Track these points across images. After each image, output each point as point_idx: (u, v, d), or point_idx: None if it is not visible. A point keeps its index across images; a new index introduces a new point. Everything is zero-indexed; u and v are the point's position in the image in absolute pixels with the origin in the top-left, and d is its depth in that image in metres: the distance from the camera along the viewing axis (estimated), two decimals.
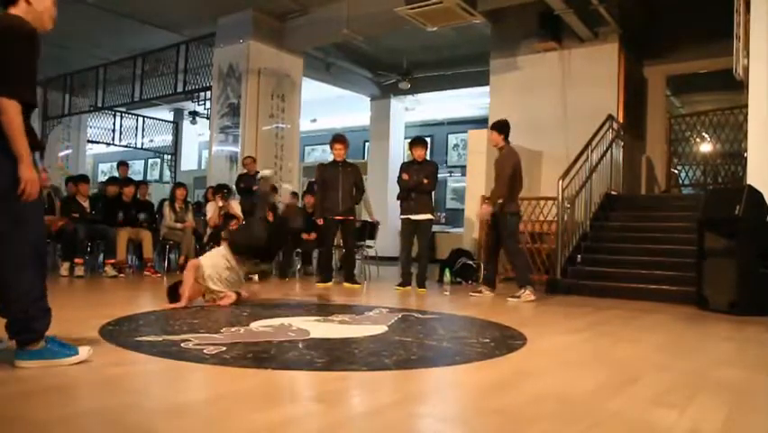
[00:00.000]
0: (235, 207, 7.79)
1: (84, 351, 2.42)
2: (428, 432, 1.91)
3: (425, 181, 6.28)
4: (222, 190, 7.82)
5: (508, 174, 5.72)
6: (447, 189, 14.32)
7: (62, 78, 12.86)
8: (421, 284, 6.36)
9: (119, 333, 3.14)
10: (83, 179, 7.40)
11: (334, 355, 2.93)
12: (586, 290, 6.21)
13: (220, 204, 7.67)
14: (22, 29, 2.32)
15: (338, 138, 6.70)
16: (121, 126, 13.83)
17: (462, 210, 9.41)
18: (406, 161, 7.02)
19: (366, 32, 9.04)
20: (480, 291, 5.96)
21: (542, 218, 7.37)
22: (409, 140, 10.75)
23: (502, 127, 5.93)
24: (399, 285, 6.40)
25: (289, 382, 2.44)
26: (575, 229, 7.06)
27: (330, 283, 6.59)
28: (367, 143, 14.45)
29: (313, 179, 9.77)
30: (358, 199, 6.74)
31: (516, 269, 5.89)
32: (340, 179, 6.52)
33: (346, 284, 6.53)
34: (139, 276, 7.12)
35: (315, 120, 14.75)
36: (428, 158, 6.66)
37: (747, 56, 5.56)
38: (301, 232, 7.66)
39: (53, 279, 6.20)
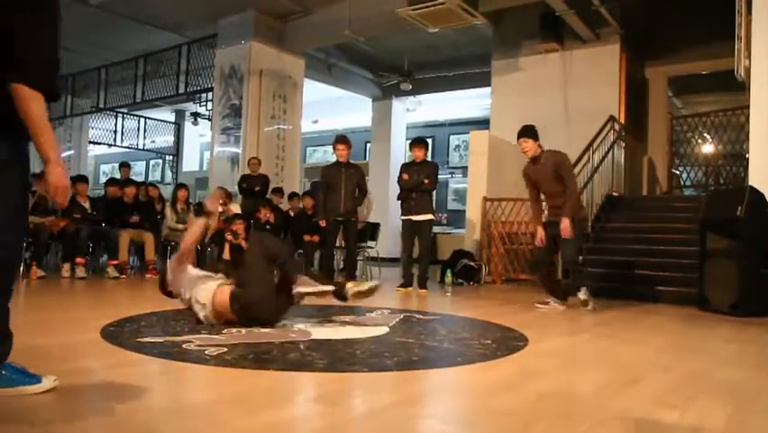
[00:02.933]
0: (235, 209, 7.80)
1: (48, 381, 2.04)
2: None
3: (426, 182, 6.25)
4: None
5: (575, 176, 5.14)
6: (448, 190, 14.32)
7: (64, 79, 12.88)
8: (422, 285, 6.35)
9: (120, 334, 3.14)
10: (82, 179, 7.40)
11: (336, 357, 2.93)
12: None
13: (220, 209, 7.68)
14: None
15: (340, 139, 6.66)
16: (122, 127, 13.86)
17: (464, 211, 9.40)
18: (406, 161, 7.01)
19: (367, 32, 9.05)
20: (548, 303, 5.19)
21: (543, 219, 7.36)
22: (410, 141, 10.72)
23: (535, 132, 5.15)
24: (401, 286, 6.39)
25: (291, 384, 2.44)
26: None
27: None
28: (368, 144, 14.46)
29: (316, 180, 9.78)
30: (360, 201, 6.70)
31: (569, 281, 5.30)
32: (342, 179, 6.48)
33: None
34: (140, 277, 7.12)
35: (316, 121, 14.76)
36: (429, 159, 6.66)
37: (749, 57, 5.55)
38: (302, 233, 7.67)
39: (55, 280, 6.20)
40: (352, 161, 6.78)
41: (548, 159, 5.07)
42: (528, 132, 5.09)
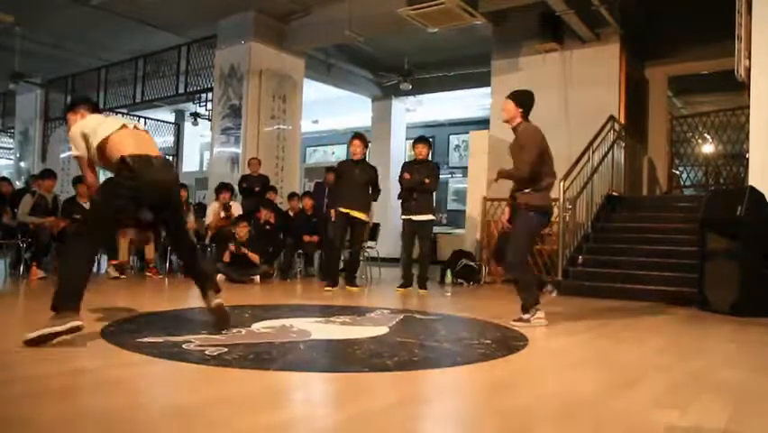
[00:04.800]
0: (236, 209, 7.80)
1: None
2: None
3: (426, 181, 6.23)
4: (224, 190, 7.80)
5: (533, 155, 4.10)
6: (449, 191, 14.33)
7: (64, 79, 12.90)
8: (422, 285, 6.34)
9: (120, 334, 3.14)
10: (82, 180, 7.38)
11: (336, 357, 2.93)
12: (587, 291, 6.21)
13: (222, 215, 7.68)
14: None
15: (356, 135, 6.45)
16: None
17: (464, 211, 9.41)
18: (407, 160, 6.95)
19: (367, 32, 9.05)
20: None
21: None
22: (411, 141, 10.62)
23: (522, 98, 4.26)
24: (400, 286, 6.37)
25: (291, 384, 2.44)
26: (576, 230, 7.06)
27: (336, 288, 6.42)
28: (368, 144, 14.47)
29: (318, 180, 9.72)
30: (374, 197, 6.49)
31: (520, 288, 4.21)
32: (355, 176, 6.25)
33: (347, 287, 6.36)
34: (140, 277, 7.12)
35: (316, 121, 14.76)
36: (429, 158, 6.62)
37: (749, 57, 5.56)
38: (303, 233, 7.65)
39: (55, 280, 6.19)
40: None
41: (529, 132, 4.29)
42: (516, 94, 4.31)
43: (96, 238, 3.14)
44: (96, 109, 3.54)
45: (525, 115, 4.29)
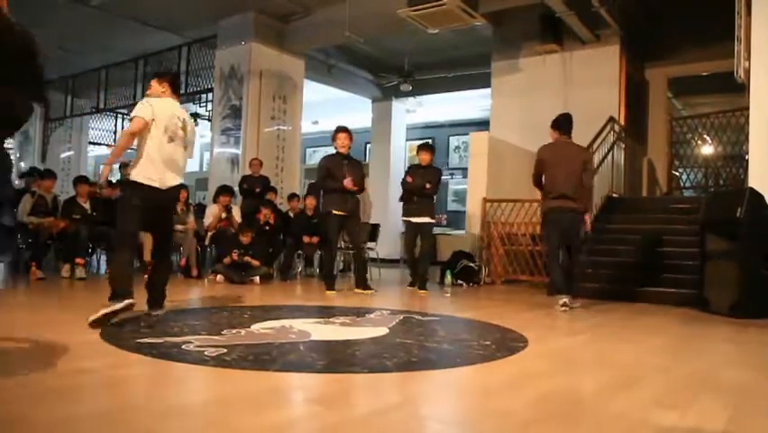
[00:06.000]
0: (236, 213, 7.79)
1: None
2: None
3: (428, 186, 6.35)
4: (225, 193, 7.78)
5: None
6: (448, 192, 14.31)
7: (64, 79, 12.89)
8: (422, 286, 6.37)
9: (120, 335, 3.14)
10: (83, 180, 7.38)
11: (335, 357, 2.93)
12: (587, 292, 6.19)
13: (223, 215, 7.67)
14: None
15: (342, 128, 6.19)
16: (122, 128, 13.83)
17: (463, 212, 9.41)
18: (412, 164, 7.11)
19: (367, 33, 9.05)
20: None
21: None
22: (410, 142, 10.60)
23: (554, 121, 5.49)
24: (411, 284, 6.59)
25: (290, 385, 2.44)
26: None
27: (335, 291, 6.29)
28: (368, 145, 14.46)
29: (314, 182, 9.64)
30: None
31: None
32: (345, 172, 5.95)
33: (357, 290, 6.02)
34: (140, 277, 7.09)
35: (316, 122, 14.76)
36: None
37: (748, 58, 5.56)
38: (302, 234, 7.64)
39: (55, 281, 6.20)
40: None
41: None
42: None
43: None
44: (176, 91, 3.93)
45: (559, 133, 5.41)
